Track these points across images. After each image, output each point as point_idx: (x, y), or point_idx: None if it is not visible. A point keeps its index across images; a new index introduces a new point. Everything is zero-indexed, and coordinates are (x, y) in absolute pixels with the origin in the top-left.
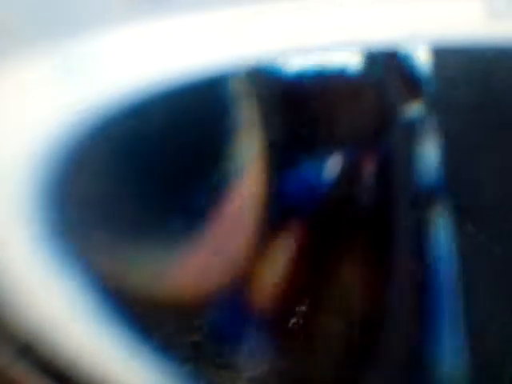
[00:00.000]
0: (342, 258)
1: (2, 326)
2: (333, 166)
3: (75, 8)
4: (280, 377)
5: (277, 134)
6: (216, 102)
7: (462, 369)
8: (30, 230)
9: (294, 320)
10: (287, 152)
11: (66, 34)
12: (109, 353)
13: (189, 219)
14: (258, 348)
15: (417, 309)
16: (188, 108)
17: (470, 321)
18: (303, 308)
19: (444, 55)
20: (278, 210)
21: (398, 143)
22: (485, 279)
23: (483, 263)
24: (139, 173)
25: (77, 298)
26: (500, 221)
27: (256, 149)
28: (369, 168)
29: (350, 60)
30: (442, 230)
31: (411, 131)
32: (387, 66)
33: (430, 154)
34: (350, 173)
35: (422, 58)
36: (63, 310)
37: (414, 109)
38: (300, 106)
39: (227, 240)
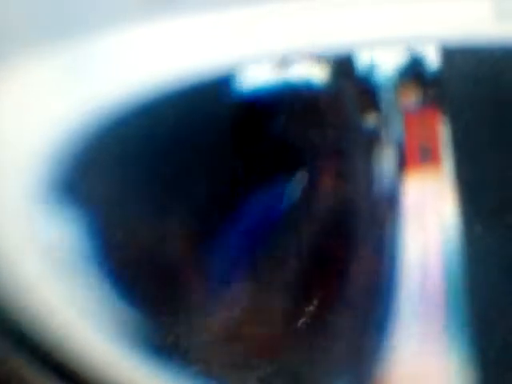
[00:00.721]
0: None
1: (2, 317)
2: (295, 183)
3: (84, 8)
4: (289, 376)
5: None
6: (225, 102)
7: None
8: (37, 228)
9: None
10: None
11: (76, 35)
12: (111, 349)
13: (189, 218)
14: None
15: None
16: (198, 107)
17: (477, 320)
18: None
19: (453, 55)
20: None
21: (356, 154)
22: (492, 279)
23: (491, 264)
24: (145, 173)
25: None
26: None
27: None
28: (328, 181)
29: (311, 72)
30: (450, 231)
31: (369, 142)
32: (345, 76)
33: (388, 163)
34: (310, 188)
35: (431, 58)
36: (70, 308)
37: (371, 119)
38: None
39: None
